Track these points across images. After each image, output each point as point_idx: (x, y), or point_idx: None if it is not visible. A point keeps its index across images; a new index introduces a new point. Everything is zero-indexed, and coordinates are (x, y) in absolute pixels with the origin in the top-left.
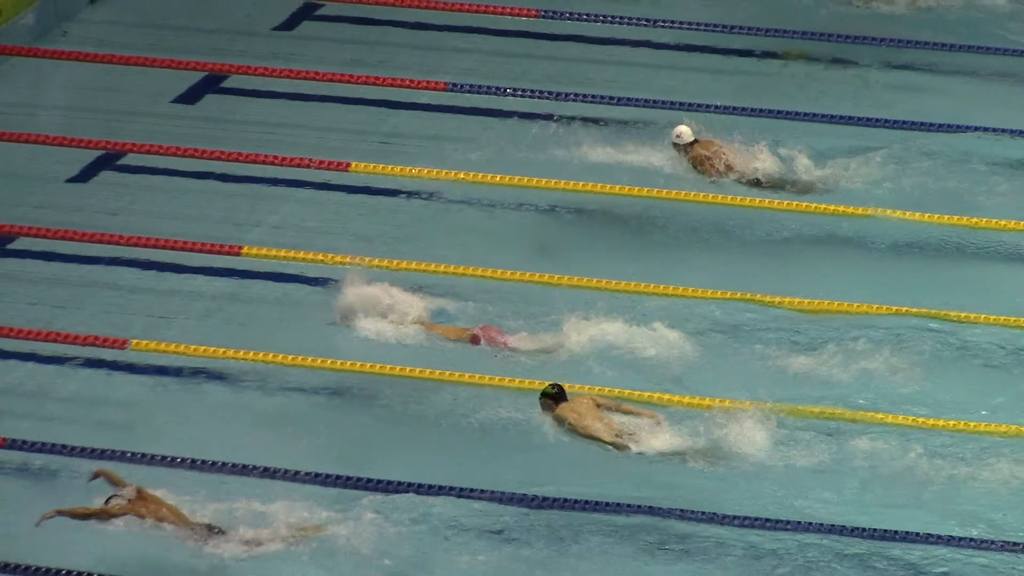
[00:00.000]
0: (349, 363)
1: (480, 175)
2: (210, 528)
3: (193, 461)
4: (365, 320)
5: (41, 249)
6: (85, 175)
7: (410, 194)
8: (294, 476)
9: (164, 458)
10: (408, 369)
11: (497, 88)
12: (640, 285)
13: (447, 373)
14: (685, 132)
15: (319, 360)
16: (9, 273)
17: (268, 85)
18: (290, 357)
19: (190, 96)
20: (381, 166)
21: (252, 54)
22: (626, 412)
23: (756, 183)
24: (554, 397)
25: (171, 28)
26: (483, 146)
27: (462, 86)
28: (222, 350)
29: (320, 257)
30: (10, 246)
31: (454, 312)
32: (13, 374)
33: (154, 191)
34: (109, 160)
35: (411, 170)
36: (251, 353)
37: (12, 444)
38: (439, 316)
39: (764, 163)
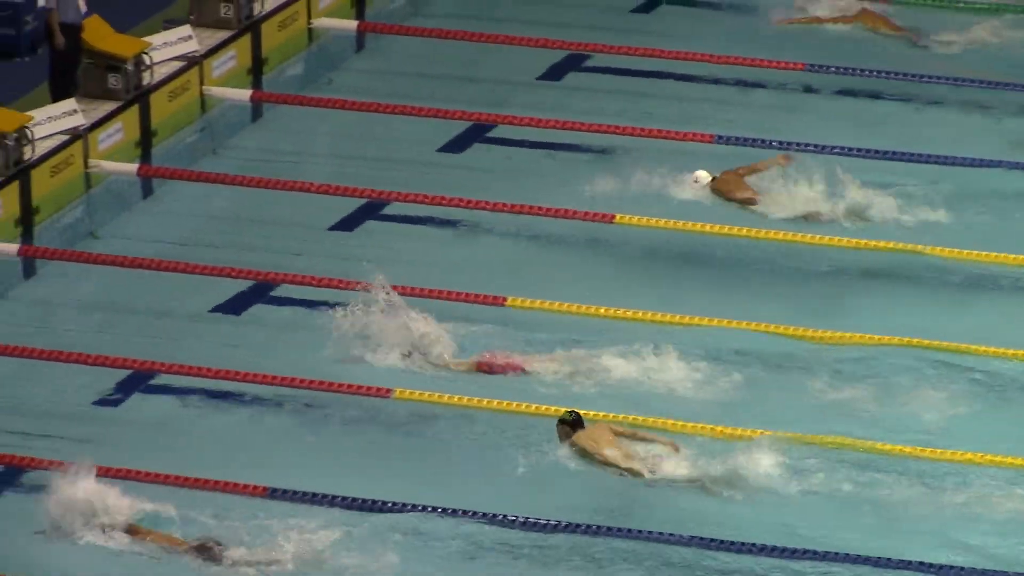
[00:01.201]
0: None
1: (744, 229)
2: (204, 548)
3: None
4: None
5: (303, 297)
6: (349, 223)
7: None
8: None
9: None
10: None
11: (763, 140)
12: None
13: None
14: (703, 176)
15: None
16: (272, 321)
17: (534, 135)
18: None
19: (456, 145)
20: (645, 219)
21: (518, 104)
22: (643, 439)
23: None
24: (571, 424)
25: (437, 77)
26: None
27: (729, 138)
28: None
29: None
30: (272, 293)
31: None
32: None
33: (418, 240)
34: (373, 209)
35: (676, 223)
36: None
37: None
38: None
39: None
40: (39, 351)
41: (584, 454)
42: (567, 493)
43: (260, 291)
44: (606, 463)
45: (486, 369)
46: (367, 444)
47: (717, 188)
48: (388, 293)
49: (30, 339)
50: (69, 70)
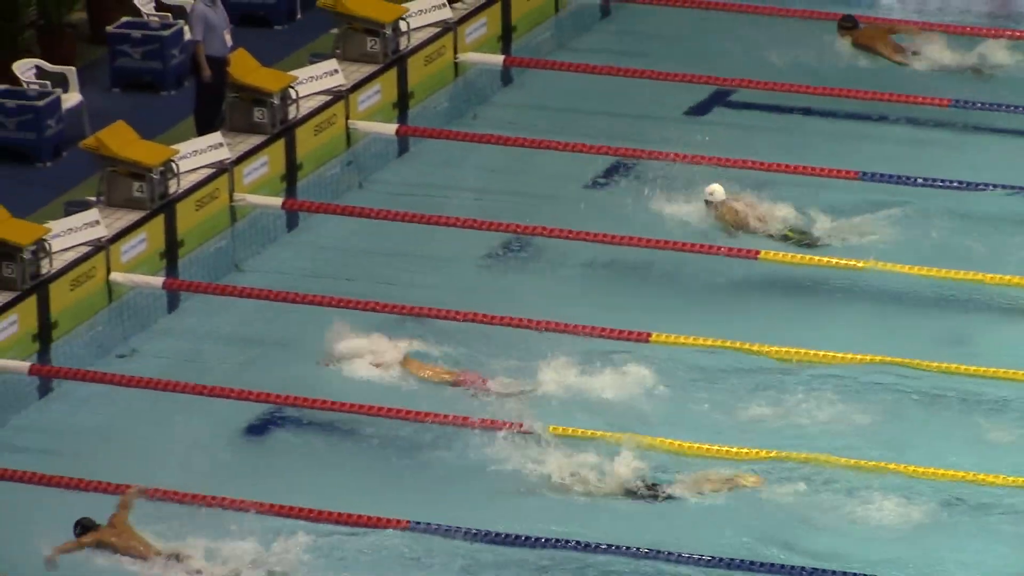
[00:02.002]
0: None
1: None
2: (176, 557)
3: None
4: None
5: (450, 330)
6: (494, 258)
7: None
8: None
9: None
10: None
11: (908, 178)
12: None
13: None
14: (718, 190)
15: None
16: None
17: (678, 172)
18: None
19: (601, 180)
20: (789, 255)
21: (662, 139)
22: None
23: (784, 238)
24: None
25: (582, 112)
26: (891, 234)
27: (873, 175)
28: None
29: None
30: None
31: None
32: None
33: (562, 275)
34: (519, 243)
35: (821, 259)
36: None
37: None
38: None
39: (787, 218)
40: (183, 384)
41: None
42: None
43: (402, 326)
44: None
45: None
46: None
47: (723, 214)
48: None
49: (174, 372)
50: (215, 104)
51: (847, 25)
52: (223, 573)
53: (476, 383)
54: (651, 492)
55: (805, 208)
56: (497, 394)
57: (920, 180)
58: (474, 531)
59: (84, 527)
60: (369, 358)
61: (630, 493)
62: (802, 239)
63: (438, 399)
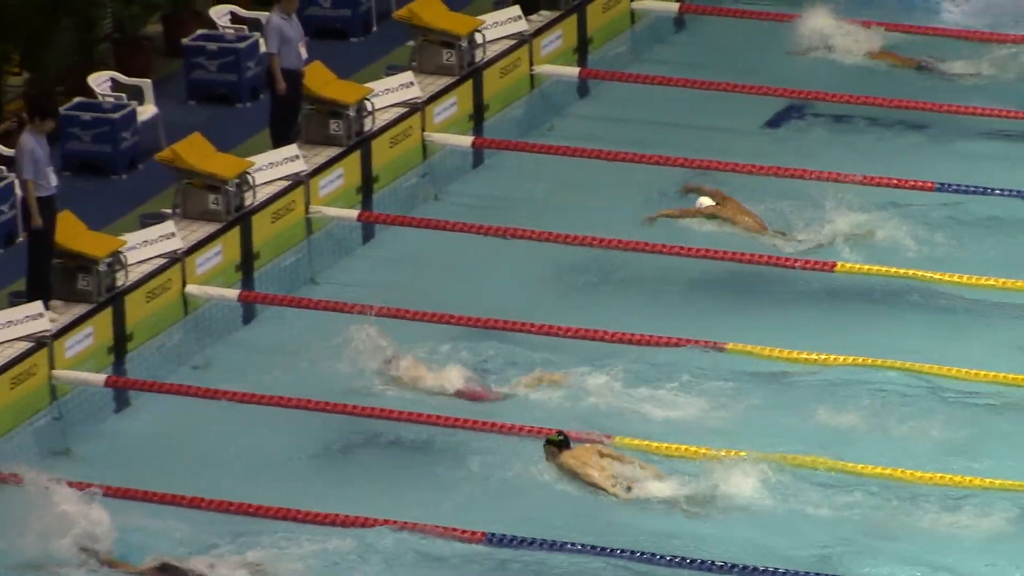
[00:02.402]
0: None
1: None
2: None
3: None
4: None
5: (526, 344)
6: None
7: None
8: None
9: None
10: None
11: (985, 188)
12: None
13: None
14: (704, 200)
15: None
16: (498, 368)
17: (754, 184)
18: None
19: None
20: (866, 266)
21: (738, 152)
22: (627, 463)
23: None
24: (558, 444)
25: (658, 124)
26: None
27: (950, 186)
28: None
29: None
30: (490, 341)
31: None
32: None
33: (640, 288)
34: (597, 258)
35: (899, 270)
36: None
37: None
38: None
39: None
40: (258, 396)
41: (570, 474)
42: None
43: (478, 339)
44: (591, 483)
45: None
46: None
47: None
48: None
49: (248, 384)
50: (290, 116)
51: None
52: None
53: (479, 395)
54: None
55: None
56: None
57: (998, 191)
58: (551, 542)
59: None
60: (433, 371)
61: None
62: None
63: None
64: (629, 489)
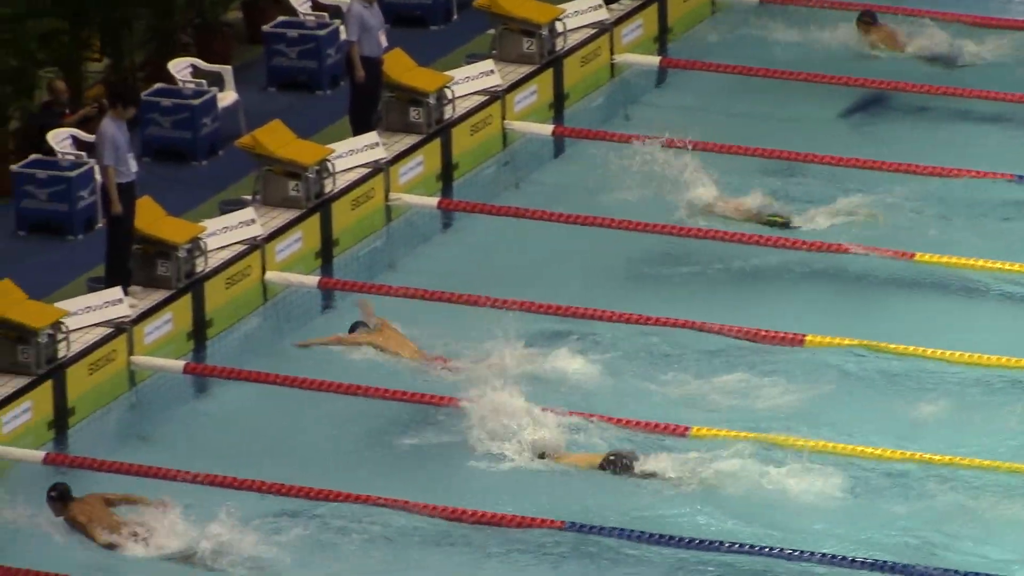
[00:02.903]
0: None
1: None
2: None
3: None
4: None
5: (599, 333)
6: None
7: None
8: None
9: None
10: None
11: None
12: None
13: None
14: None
15: None
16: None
17: (835, 174)
18: None
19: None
20: (944, 257)
21: (820, 142)
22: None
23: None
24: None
25: (737, 114)
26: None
27: None
28: None
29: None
30: (566, 328)
31: None
32: None
33: (708, 276)
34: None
35: (975, 262)
36: None
37: None
38: None
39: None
40: (335, 384)
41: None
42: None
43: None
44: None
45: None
46: None
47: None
48: None
49: (327, 371)
50: (369, 104)
51: (867, 20)
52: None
53: (440, 364)
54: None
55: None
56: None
57: None
58: (628, 531)
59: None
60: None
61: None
62: (782, 222)
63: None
64: (543, 456)
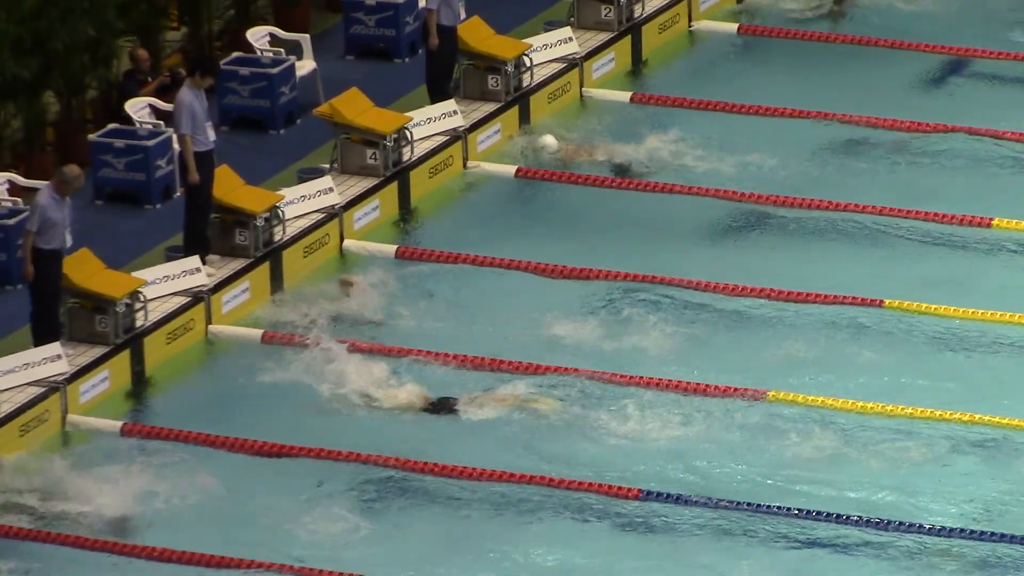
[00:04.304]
0: None
1: None
2: None
3: None
4: None
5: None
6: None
7: None
8: None
9: None
10: None
11: None
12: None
13: None
14: (550, 141)
15: None
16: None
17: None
18: None
19: (832, 152)
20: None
21: (896, 107)
22: None
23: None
24: None
25: (813, 82)
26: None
27: None
28: None
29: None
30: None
31: None
32: None
33: (792, 241)
34: (755, 214)
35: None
36: None
37: None
38: None
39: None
40: (415, 351)
41: None
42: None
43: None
44: None
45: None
46: None
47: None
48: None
49: (402, 338)
50: (445, 72)
51: None
52: None
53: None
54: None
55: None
56: None
57: None
58: (704, 499)
59: None
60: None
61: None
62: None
63: None
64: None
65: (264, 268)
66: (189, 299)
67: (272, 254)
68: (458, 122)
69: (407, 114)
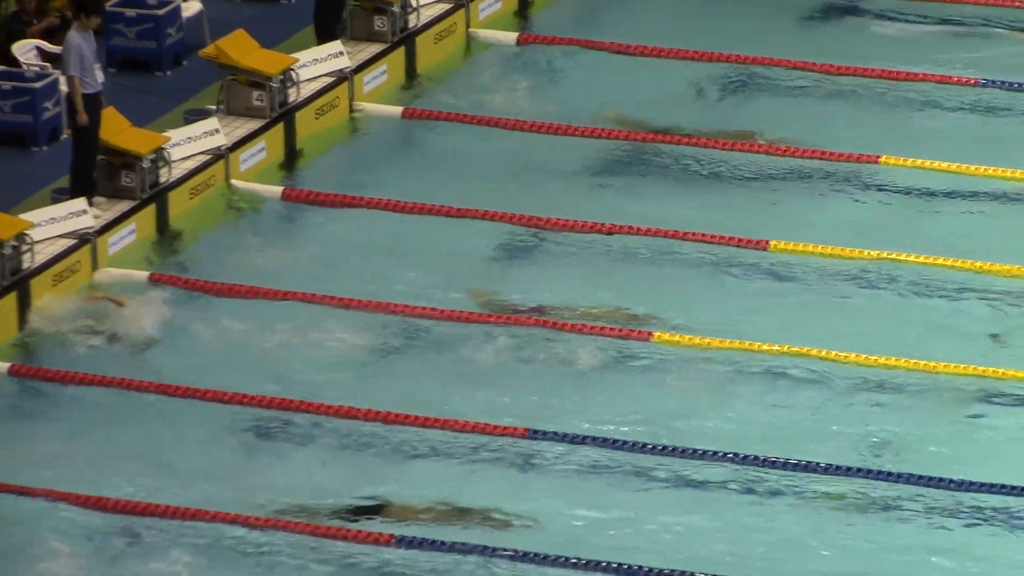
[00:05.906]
0: None
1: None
2: None
3: None
4: None
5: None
6: None
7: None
8: None
9: None
10: None
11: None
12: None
13: None
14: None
15: None
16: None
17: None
18: None
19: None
20: (910, 160)
21: (775, 48)
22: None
23: None
24: None
25: (700, 21)
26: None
27: (994, 82)
28: None
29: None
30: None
31: None
32: None
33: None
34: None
35: (939, 164)
36: None
37: None
38: None
39: None
40: (319, 296)
41: None
42: None
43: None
44: None
45: None
46: None
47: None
48: None
49: (308, 284)
50: (334, 12)
51: None
52: None
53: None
54: None
55: None
56: None
57: None
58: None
59: None
60: None
61: None
62: None
63: None
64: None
65: (150, 210)
66: (75, 241)
67: (158, 196)
68: (344, 63)
69: (293, 55)
